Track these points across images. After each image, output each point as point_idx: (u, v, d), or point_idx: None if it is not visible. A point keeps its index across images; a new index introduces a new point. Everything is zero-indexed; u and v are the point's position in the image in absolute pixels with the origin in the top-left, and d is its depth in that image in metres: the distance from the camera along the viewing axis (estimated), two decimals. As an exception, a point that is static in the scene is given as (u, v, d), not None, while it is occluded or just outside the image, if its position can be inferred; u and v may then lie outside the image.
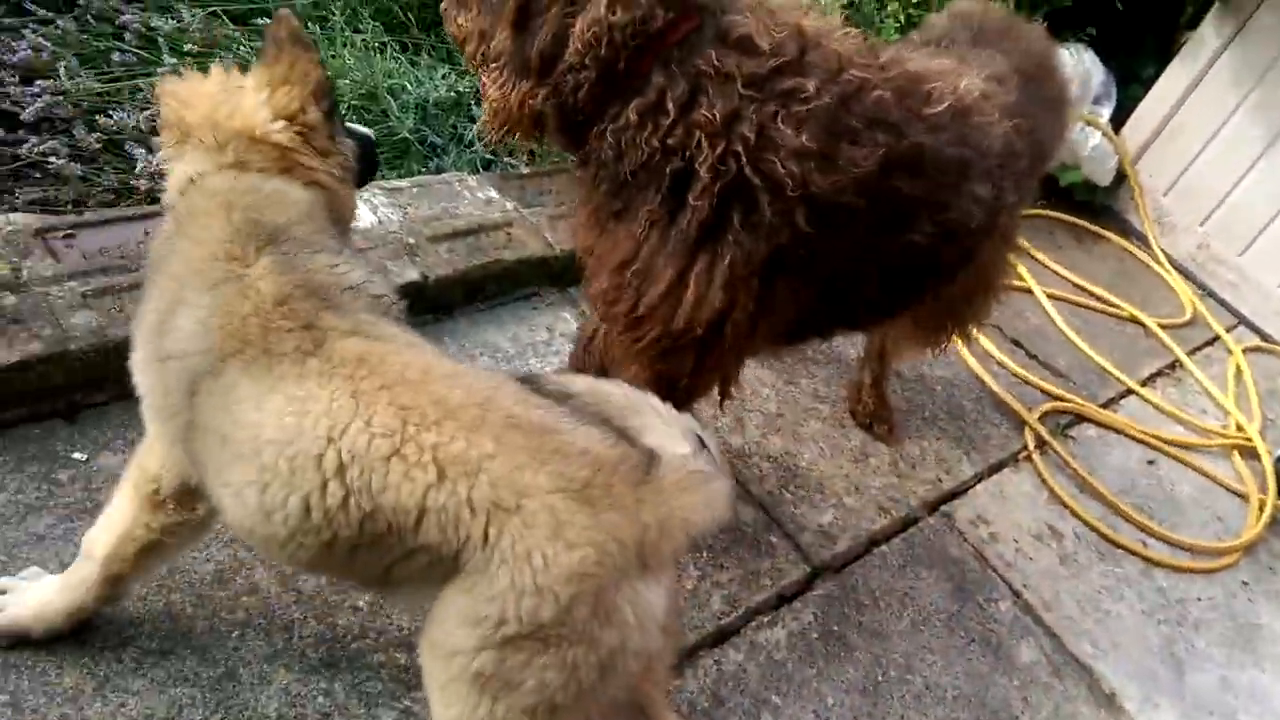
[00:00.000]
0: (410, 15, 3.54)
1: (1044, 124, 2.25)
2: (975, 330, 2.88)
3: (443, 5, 1.99)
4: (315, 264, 1.46)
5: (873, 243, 1.94)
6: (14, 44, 3.03)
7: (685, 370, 2.00)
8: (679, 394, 2.02)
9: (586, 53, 1.73)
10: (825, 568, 2.50)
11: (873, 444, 2.92)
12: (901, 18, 3.99)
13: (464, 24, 1.92)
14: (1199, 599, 2.90)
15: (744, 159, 1.74)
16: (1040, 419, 3.25)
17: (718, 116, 1.73)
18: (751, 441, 2.75)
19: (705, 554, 2.39)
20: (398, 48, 3.43)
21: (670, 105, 1.74)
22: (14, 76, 2.97)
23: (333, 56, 3.21)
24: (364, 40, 3.32)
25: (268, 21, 3.23)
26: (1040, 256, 4.18)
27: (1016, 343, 3.64)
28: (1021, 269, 3.94)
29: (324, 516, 1.32)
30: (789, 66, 1.78)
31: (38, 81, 2.95)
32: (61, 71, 2.97)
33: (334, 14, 3.32)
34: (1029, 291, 3.92)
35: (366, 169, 1.80)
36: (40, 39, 3.04)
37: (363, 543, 1.33)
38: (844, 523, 2.62)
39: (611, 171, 1.83)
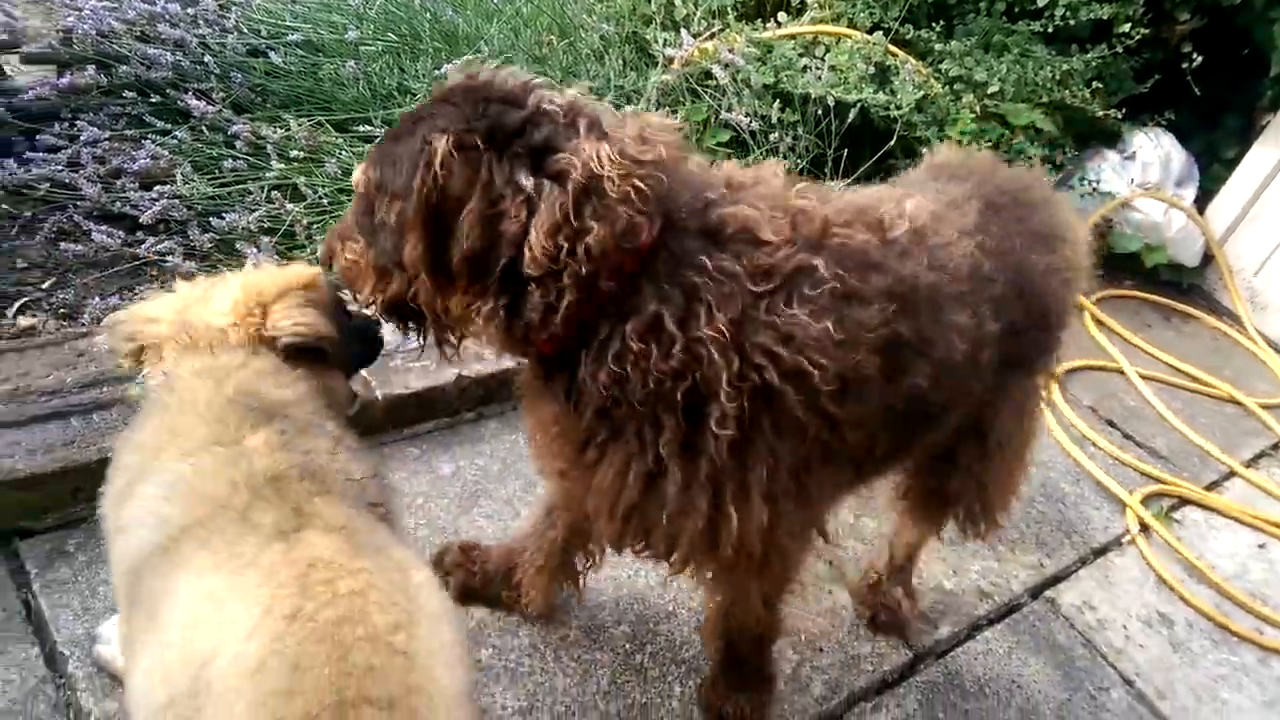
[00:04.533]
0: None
1: (1024, 252, 1.93)
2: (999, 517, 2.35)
3: (323, 248, 1.71)
4: (315, 446, 1.40)
5: (885, 398, 1.68)
6: (135, 153, 3.25)
7: (749, 590, 1.85)
8: (761, 609, 1.92)
9: (553, 266, 1.42)
10: (928, 653, 2.42)
11: (969, 526, 2.86)
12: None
13: (352, 258, 1.60)
14: (1325, 690, 2.73)
15: (766, 365, 1.50)
16: (1142, 502, 3.15)
17: (728, 327, 1.48)
18: (844, 524, 2.72)
19: (803, 636, 2.35)
20: (488, 148, 3.58)
21: (670, 323, 1.48)
22: (134, 183, 3.18)
23: (428, 158, 3.36)
24: (457, 142, 3.48)
25: (368, 129, 3.42)
26: (1129, 336, 4.11)
27: (1111, 423, 3.56)
28: (1112, 349, 3.88)
29: None
30: (789, 246, 1.55)
31: (156, 187, 3.16)
32: (178, 177, 3.17)
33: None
34: (1120, 372, 3.85)
35: (366, 356, 1.83)
36: (159, 148, 3.26)
37: None
38: (945, 607, 2.55)
39: (599, 398, 1.54)
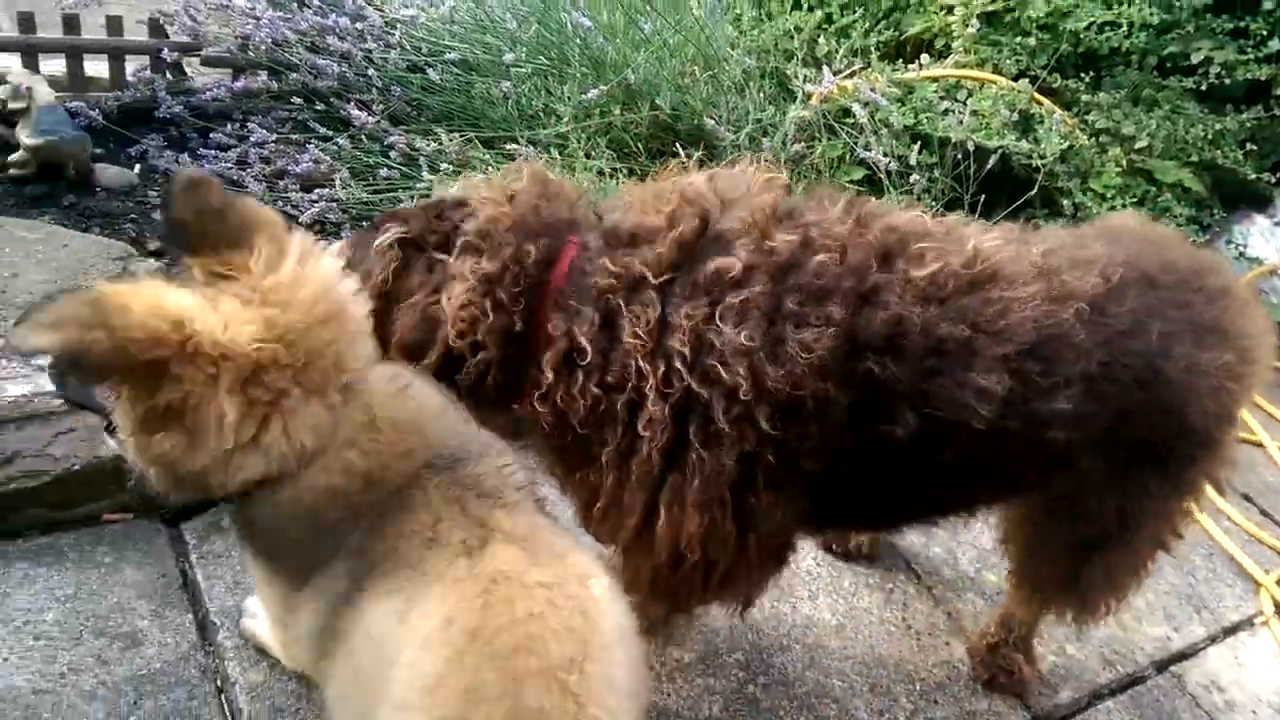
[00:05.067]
0: (640, 145, 3.79)
1: (1163, 339, 1.71)
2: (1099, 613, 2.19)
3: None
4: (481, 469, 1.32)
5: (852, 436, 1.61)
6: (298, 157, 3.44)
7: (692, 602, 1.83)
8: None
9: (471, 332, 1.56)
10: (1046, 717, 2.36)
11: (1094, 590, 2.78)
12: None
13: None
14: None
15: (684, 374, 1.51)
16: (1277, 582, 3.01)
17: (645, 332, 1.51)
18: (965, 575, 2.68)
19: (918, 686, 2.32)
20: (626, 173, 3.66)
21: (586, 344, 1.52)
22: (296, 185, 3.37)
23: (570, 176, 3.46)
24: (598, 166, 3.58)
25: (514, 146, 3.55)
26: (1272, 410, 3.94)
27: (1248, 498, 3.41)
28: (1252, 421, 3.73)
29: None
30: (702, 245, 1.57)
31: (316, 190, 3.33)
32: (336, 182, 3.34)
33: (573, 142, 3.60)
34: (1260, 445, 3.69)
35: None
36: (320, 154, 3.44)
37: None
38: (1066, 672, 2.49)
39: (559, 433, 1.61)
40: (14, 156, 3.37)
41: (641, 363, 1.51)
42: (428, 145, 3.48)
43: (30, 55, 3.62)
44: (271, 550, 1.33)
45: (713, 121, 3.80)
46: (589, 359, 1.52)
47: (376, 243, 1.63)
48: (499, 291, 1.54)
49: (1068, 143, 3.87)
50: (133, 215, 3.27)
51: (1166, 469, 1.87)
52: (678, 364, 1.50)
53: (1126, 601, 2.17)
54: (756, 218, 1.58)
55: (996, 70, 4.23)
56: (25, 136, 3.31)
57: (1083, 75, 4.25)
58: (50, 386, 2.28)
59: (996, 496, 1.99)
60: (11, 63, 3.61)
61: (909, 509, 1.92)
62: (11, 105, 3.36)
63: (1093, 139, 4.02)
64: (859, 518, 1.96)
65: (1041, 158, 3.74)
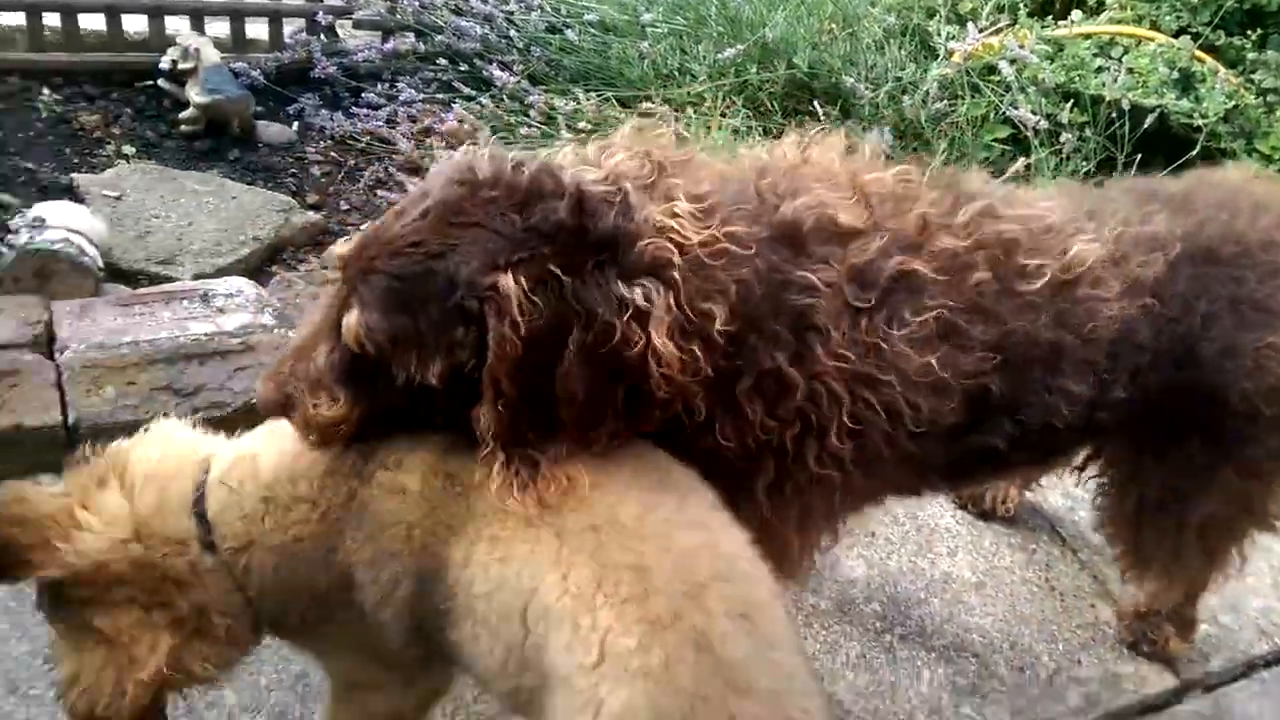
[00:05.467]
0: (774, 103, 3.77)
1: (1205, 316, 1.63)
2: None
3: (266, 394, 1.35)
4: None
5: (954, 442, 1.54)
6: (443, 115, 3.55)
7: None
8: None
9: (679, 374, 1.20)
10: (1195, 684, 2.28)
11: (1253, 560, 2.65)
12: None
13: (333, 415, 1.30)
14: None
15: (873, 399, 1.35)
16: None
17: (844, 352, 1.33)
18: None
19: (1061, 646, 2.27)
20: (761, 131, 3.66)
21: (785, 366, 1.31)
22: (441, 142, 3.48)
23: (705, 135, 3.48)
24: (733, 125, 3.58)
25: (650, 105, 3.57)
26: None
27: None
28: None
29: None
30: (884, 244, 1.37)
31: (460, 148, 3.44)
32: (479, 140, 3.44)
33: (709, 100, 3.62)
34: None
35: None
36: (464, 112, 3.55)
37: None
38: (1218, 640, 2.39)
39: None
40: (184, 114, 3.59)
41: (836, 388, 1.34)
42: (566, 105, 3.55)
43: (197, 18, 3.84)
44: None
45: (851, 80, 3.75)
46: (787, 385, 1.32)
47: (498, 305, 1.16)
48: (714, 333, 1.24)
49: (1232, 102, 3.67)
50: (293, 170, 3.45)
51: (1216, 447, 1.78)
52: (865, 392, 1.37)
53: (1210, 581, 2.15)
54: (924, 217, 1.45)
55: (1154, 27, 4.05)
56: (194, 95, 3.53)
57: (1248, 32, 4.02)
58: (229, 326, 2.45)
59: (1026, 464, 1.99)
60: (180, 26, 3.84)
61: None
62: (181, 66, 3.58)
63: (1259, 98, 3.80)
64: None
65: (1204, 117, 3.57)
